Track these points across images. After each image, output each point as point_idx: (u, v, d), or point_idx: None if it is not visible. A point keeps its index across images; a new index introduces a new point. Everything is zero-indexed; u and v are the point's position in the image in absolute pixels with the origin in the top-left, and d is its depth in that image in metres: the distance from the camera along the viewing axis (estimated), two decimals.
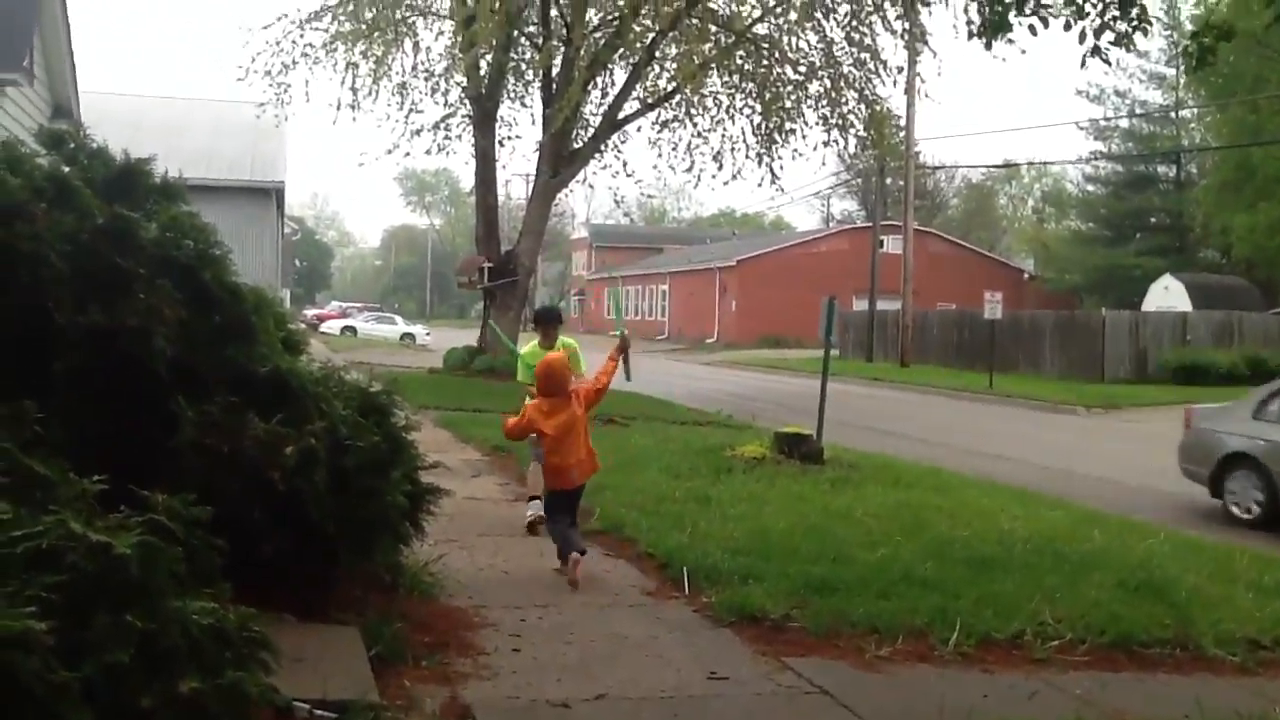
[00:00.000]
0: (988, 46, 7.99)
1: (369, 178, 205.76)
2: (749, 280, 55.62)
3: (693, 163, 25.05)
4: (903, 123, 33.32)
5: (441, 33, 25.18)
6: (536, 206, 25.26)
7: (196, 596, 3.30)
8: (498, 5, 20.94)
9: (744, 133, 24.54)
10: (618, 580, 6.97)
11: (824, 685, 5.17)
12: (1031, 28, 7.65)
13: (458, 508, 8.18)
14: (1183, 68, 39.02)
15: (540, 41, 23.98)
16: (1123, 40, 7.39)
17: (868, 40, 23.21)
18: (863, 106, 24.17)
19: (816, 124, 24.28)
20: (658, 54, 23.81)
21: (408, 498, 5.74)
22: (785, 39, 23.56)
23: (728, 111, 24.33)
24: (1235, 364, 29.34)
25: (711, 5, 23.11)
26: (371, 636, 5.03)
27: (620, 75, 24.91)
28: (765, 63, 23.76)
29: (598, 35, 24.02)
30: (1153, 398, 26.17)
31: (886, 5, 22.66)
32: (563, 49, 23.10)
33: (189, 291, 4.94)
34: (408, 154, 35.24)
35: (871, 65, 23.68)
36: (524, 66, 25.51)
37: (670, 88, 24.10)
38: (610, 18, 23.75)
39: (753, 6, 23.62)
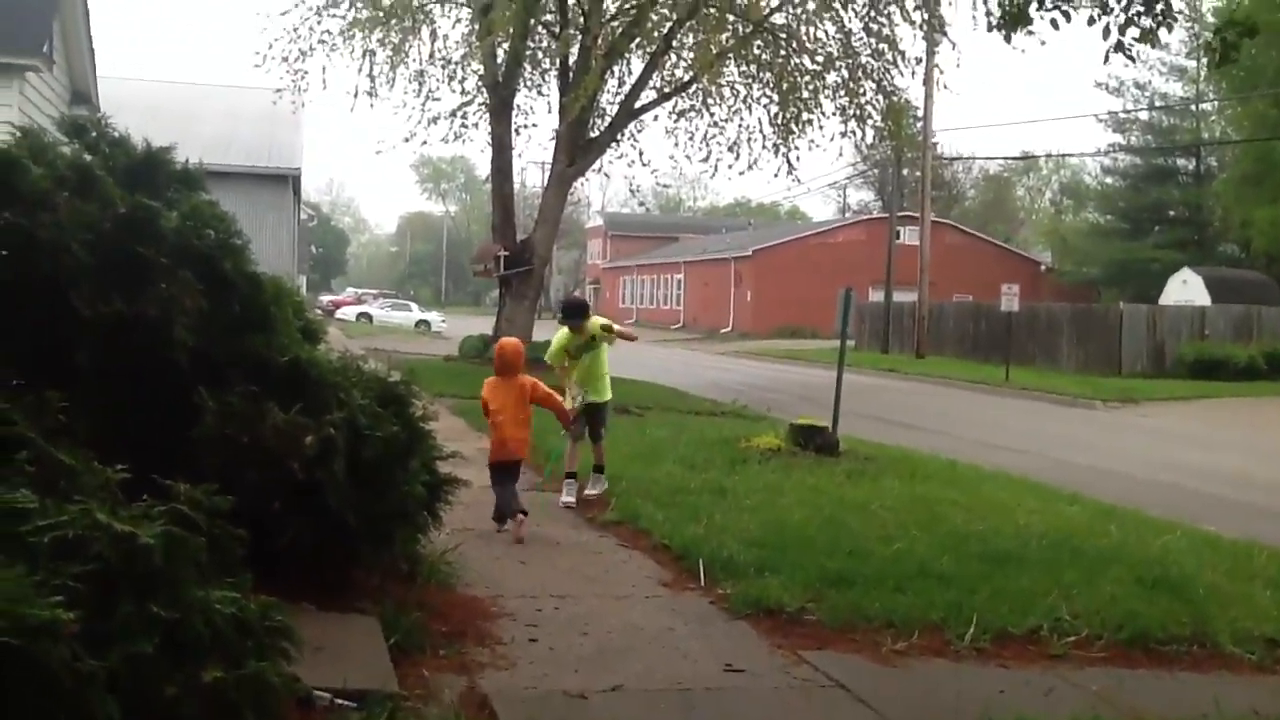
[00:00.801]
0: (1007, 39, 7.93)
1: (385, 165, 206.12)
2: (765, 270, 55.54)
3: (709, 152, 25.01)
4: (920, 113, 33.26)
5: (459, 20, 25.17)
6: (552, 195, 25.25)
7: (219, 586, 3.33)
8: None
9: (761, 123, 24.49)
10: (634, 572, 6.99)
11: (840, 679, 5.17)
12: (1053, 21, 7.60)
13: (474, 497, 8.16)
14: (1204, 61, 38.75)
15: (558, 30, 23.95)
16: (1147, 36, 7.32)
17: (886, 30, 23.11)
18: (880, 97, 24.07)
19: (834, 114, 24.20)
20: (675, 43, 23.75)
21: (426, 488, 5.76)
22: (803, 29, 23.46)
23: (744, 101, 24.27)
24: (1254, 358, 29.19)
25: None
26: (390, 626, 5.05)
27: (637, 64, 24.86)
28: (783, 53, 23.66)
29: (615, 24, 23.96)
30: (1170, 392, 26.06)
31: None
32: (580, 37, 23.06)
33: (209, 281, 4.96)
34: (424, 142, 35.59)
35: (889, 56, 23.57)
36: (541, 55, 25.46)
37: (687, 77, 24.04)
38: (628, 6, 23.69)
39: None
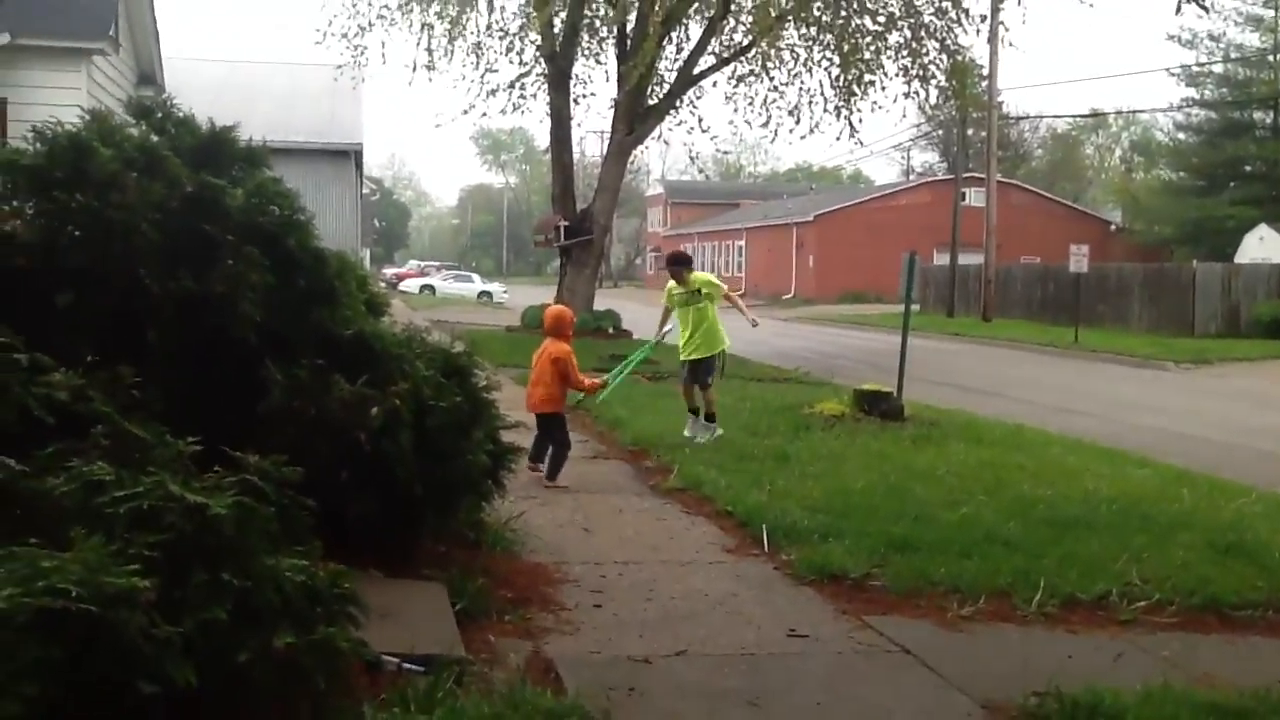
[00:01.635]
0: None
1: (445, 138, 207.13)
2: (827, 235, 55.07)
3: (769, 117, 24.80)
4: (985, 72, 32.63)
5: None
6: (612, 164, 25.22)
7: (288, 555, 3.40)
8: None
9: (821, 86, 24.23)
10: (697, 538, 7.02)
11: (905, 644, 5.16)
12: None
13: None
14: None
15: None
16: None
17: None
18: (944, 56, 23.68)
19: (896, 75, 23.87)
20: (733, 7, 23.52)
21: (489, 457, 5.83)
22: None
23: (805, 64, 24.00)
24: None
25: None
26: (456, 592, 5.13)
27: (695, 30, 24.70)
28: (843, 13, 23.33)
29: None
30: (1245, 353, 25.45)
31: None
32: (637, 4, 22.92)
33: (274, 257, 5.04)
34: (484, 114, 35.50)
35: (953, 14, 23.18)
36: (598, 23, 25.35)
37: (746, 41, 23.82)
38: None
39: None
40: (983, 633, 5.41)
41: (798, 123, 24.64)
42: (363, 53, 24.28)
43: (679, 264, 10.77)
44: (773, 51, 23.13)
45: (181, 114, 5.80)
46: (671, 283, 10.72)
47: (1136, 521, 7.34)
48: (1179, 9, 7.25)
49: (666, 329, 10.91)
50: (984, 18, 24.72)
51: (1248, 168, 53.19)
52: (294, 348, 5.07)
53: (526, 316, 25.78)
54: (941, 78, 23.95)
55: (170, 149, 5.35)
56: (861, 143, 40.47)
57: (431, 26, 23.96)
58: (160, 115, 5.75)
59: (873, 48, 23.54)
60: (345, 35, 24.01)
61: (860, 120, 25.38)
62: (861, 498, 7.67)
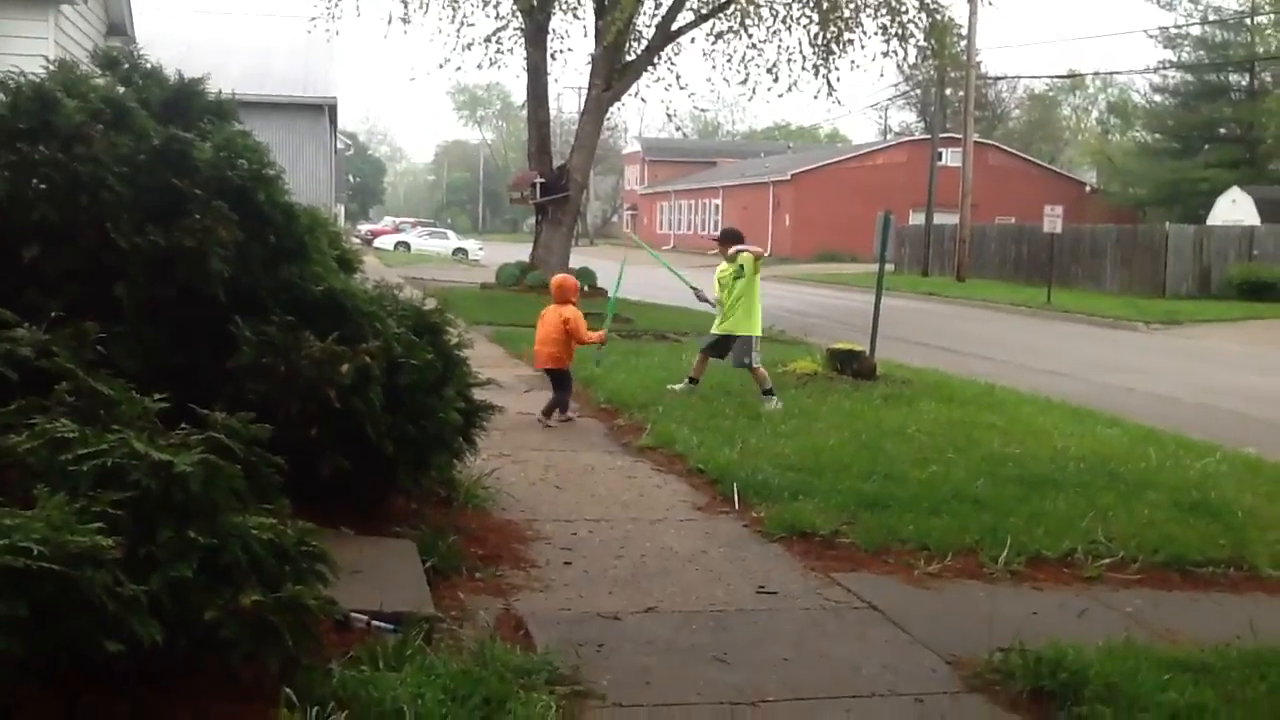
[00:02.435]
0: None
1: (421, 93, 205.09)
2: (804, 194, 55.02)
3: (747, 75, 24.66)
4: (964, 31, 32.51)
5: None
6: (589, 121, 25.04)
7: (256, 513, 3.39)
8: None
9: (800, 43, 24.08)
10: (668, 496, 7.05)
11: (873, 601, 5.22)
12: None
13: (510, 423, 8.30)
14: None
15: None
16: None
17: None
18: (923, 15, 23.57)
19: (875, 33, 23.76)
20: None
21: (461, 414, 5.82)
22: None
23: (784, 22, 23.84)
24: None
25: None
26: (427, 549, 5.14)
27: None
28: None
29: None
30: (1216, 314, 25.69)
31: None
32: None
33: (244, 212, 4.98)
34: (459, 68, 35.18)
35: None
36: None
37: None
38: None
39: None
40: (950, 590, 5.47)
41: (776, 80, 24.54)
42: (337, 4, 23.95)
43: (729, 240, 10.45)
44: (752, 8, 22.99)
45: (150, 65, 5.71)
46: (722, 264, 10.41)
47: (1104, 480, 7.42)
48: None
49: (707, 298, 10.71)
50: None
51: (1222, 130, 53.40)
52: (264, 304, 5.03)
53: (502, 274, 25.68)
54: (920, 37, 23.84)
55: (138, 101, 5.27)
56: (840, 102, 40.51)
57: None
58: (128, 67, 5.66)
59: (852, 5, 23.40)
60: None
61: (838, 79, 25.39)
62: (832, 455, 7.71)
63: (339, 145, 36.72)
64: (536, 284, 23.93)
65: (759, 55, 24.35)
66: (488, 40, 25.09)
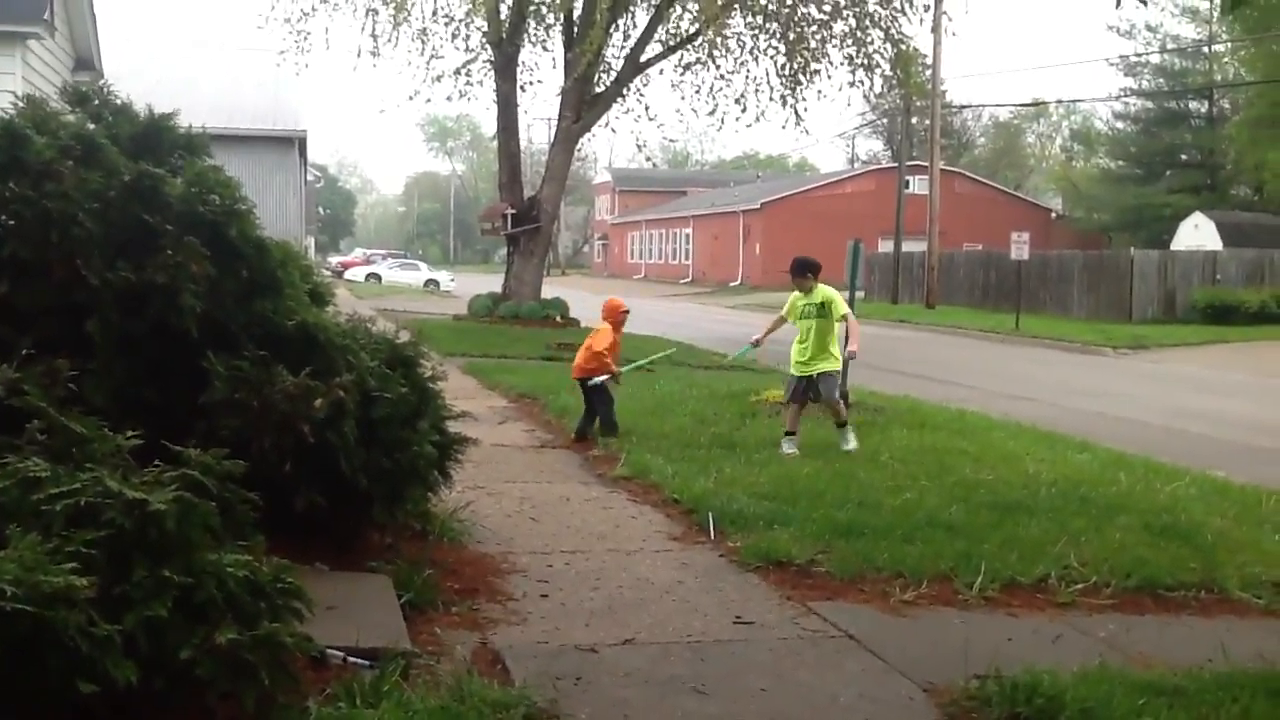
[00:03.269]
0: None
1: (391, 125, 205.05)
2: (773, 223, 55.31)
3: (716, 105, 24.87)
4: (929, 61, 32.94)
5: None
6: (559, 152, 25.14)
7: (231, 550, 3.37)
8: None
9: (768, 74, 24.33)
10: (644, 526, 7.04)
11: (849, 629, 5.22)
12: None
13: (485, 455, 8.27)
14: (1216, 1, 38.22)
15: None
16: None
17: None
18: (888, 45, 23.87)
19: (842, 64, 24.04)
20: None
21: (436, 447, 5.80)
22: None
23: (751, 53, 24.10)
24: (1266, 303, 29.07)
25: None
26: (402, 584, 5.11)
27: (642, 17, 24.67)
28: (789, 2, 23.43)
29: None
30: (1181, 338, 25.99)
31: None
32: None
33: (216, 247, 4.97)
34: (429, 100, 35.18)
35: (897, 3, 23.40)
36: (545, 10, 25.23)
37: (693, 29, 23.84)
38: None
39: None
40: (925, 617, 5.49)
41: (744, 111, 24.76)
42: (306, 38, 23.99)
43: (805, 271, 9.49)
44: (719, 39, 23.19)
45: (119, 101, 5.70)
46: (796, 293, 9.54)
47: (1075, 504, 7.47)
48: (1119, 3, 7.30)
49: (755, 342, 10.16)
50: (927, 7, 25.06)
51: (1184, 156, 54.26)
52: (236, 339, 5.02)
53: (474, 305, 25.65)
54: (886, 67, 24.14)
55: (108, 137, 5.26)
56: (807, 131, 40.80)
57: (376, 11, 23.75)
58: (97, 102, 5.65)
59: (818, 36, 23.68)
60: (288, 19, 23.74)
61: (806, 109, 25.62)
62: (806, 484, 7.73)
63: (309, 177, 36.67)
64: (509, 315, 23.95)
65: (727, 86, 24.61)
66: (457, 72, 25.18)
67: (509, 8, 23.75)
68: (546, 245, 26.10)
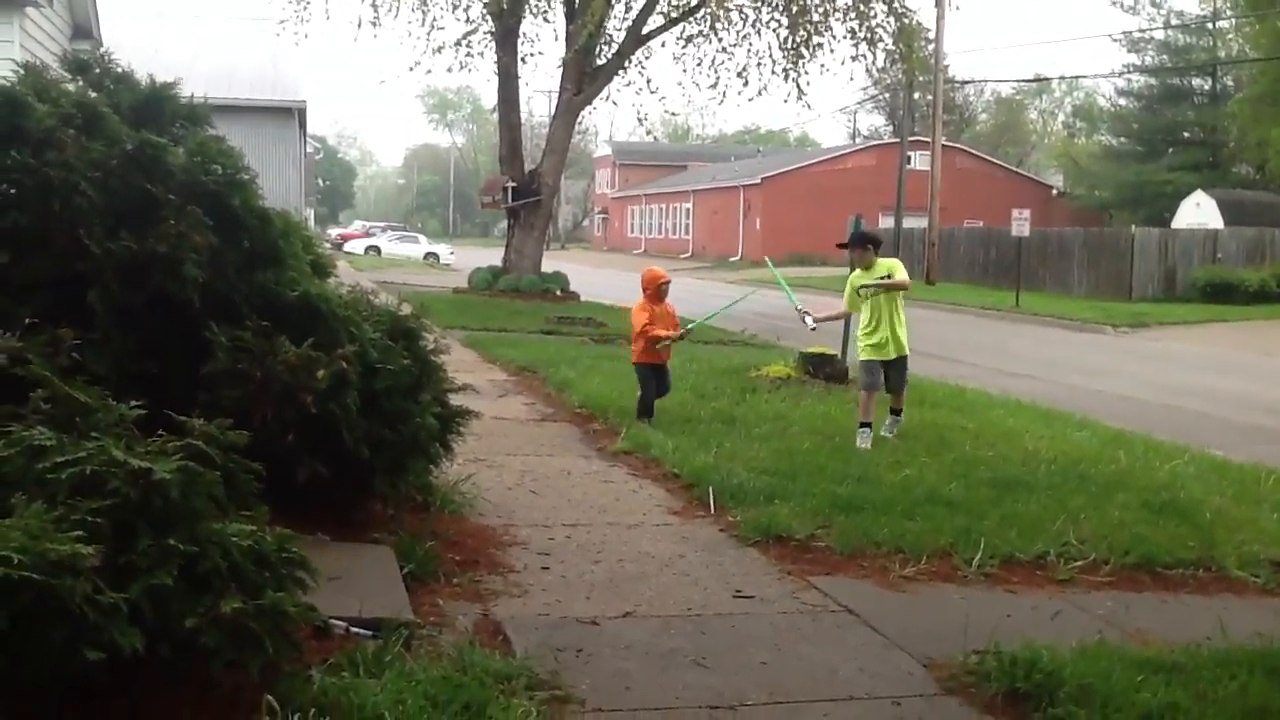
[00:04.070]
0: None
1: (391, 97, 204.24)
2: (774, 198, 55.15)
3: (717, 79, 24.75)
4: (931, 35, 32.74)
5: None
6: (560, 125, 25.04)
7: (235, 519, 3.38)
8: None
9: (770, 47, 24.20)
10: (645, 500, 7.06)
11: (849, 604, 5.25)
12: None
13: (485, 428, 8.27)
14: None
15: None
16: None
17: None
18: (891, 19, 23.74)
19: (844, 38, 23.91)
20: None
21: (437, 419, 5.81)
22: None
23: (753, 26, 23.95)
24: (1266, 282, 29.02)
25: None
26: (405, 555, 5.13)
27: None
28: None
29: None
30: (1181, 316, 25.98)
31: None
32: None
33: (218, 217, 4.96)
34: (429, 71, 34.96)
35: None
36: None
37: (695, 1, 23.69)
38: None
39: None
40: (924, 592, 5.51)
41: (746, 84, 24.65)
42: (306, 7, 23.88)
43: (866, 243, 8.65)
44: (721, 12, 23.05)
45: (120, 70, 5.67)
46: (856, 271, 8.72)
47: (1075, 482, 7.49)
48: None
49: (809, 320, 9.26)
50: None
51: (1186, 134, 53.96)
52: (238, 310, 5.01)
53: (474, 279, 25.62)
54: (889, 41, 24.01)
55: (109, 106, 5.23)
56: (809, 106, 40.65)
57: None
58: (98, 71, 5.62)
59: (821, 10, 23.53)
60: None
61: (808, 83, 25.54)
62: (806, 459, 7.75)
63: (308, 148, 36.52)
64: (509, 288, 23.91)
65: (729, 59, 24.49)
66: (458, 44, 25.05)
67: None
68: (547, 219, 26.03)
